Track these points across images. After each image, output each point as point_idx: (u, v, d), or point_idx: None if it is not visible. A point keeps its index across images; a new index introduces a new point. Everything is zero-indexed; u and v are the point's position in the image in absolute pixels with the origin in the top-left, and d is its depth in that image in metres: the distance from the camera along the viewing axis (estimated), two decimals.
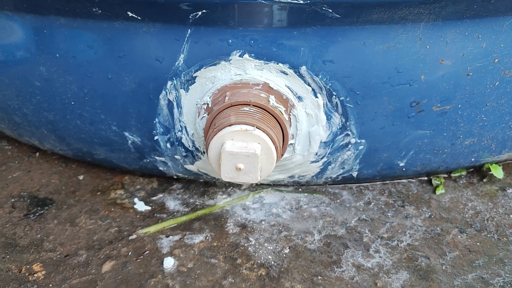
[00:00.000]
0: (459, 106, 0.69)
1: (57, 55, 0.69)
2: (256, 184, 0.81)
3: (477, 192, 0.78)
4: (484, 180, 0.81)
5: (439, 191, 0.78)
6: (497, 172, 0.79)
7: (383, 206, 0.76)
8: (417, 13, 0.60)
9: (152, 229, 0.71)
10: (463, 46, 0.64)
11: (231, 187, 0.80)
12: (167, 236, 0.70)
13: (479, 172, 0.82)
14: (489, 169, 0.81)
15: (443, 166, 0.78)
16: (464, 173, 0.82)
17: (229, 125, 0.61)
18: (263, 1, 0.57)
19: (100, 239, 0.69)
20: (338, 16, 0.59)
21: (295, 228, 0.72)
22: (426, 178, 0.82)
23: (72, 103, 0.73)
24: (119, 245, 0.68)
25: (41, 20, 0.67)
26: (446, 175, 0.82)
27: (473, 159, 0.78)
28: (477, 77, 0.67)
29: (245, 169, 0.61)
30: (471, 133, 0.73)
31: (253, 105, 0.63)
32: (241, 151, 0.59)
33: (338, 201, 0.77)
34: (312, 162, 0.73)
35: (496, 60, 0.66)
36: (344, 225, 0.72)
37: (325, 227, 0.72)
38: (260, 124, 0.61)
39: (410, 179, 0.82)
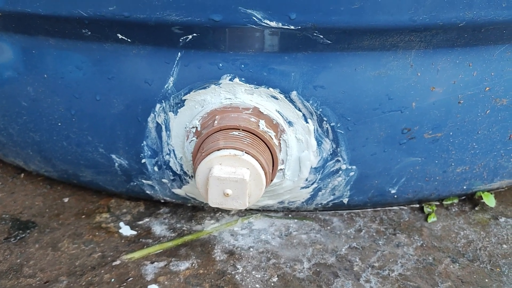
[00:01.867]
0: (451, 133, 0.68)
1: (45, 75, 0.68)
2: (246, 210, 0.79)
3: (469, 220, 0.77)
4: (476, 208, 0.80)
5: (431, 219, 0.77)
6: (489, 200, 0.78)
7: (374, 234, 0.74)
8: (408, 41, 0.60)
9: (136, 254, 0.69)
10: (454, 74, 0.64)
11: (220, 212, 0.79)
12: (152, 263, 0.68)
13: (471, 200, 0.82)
14: (481, 197, 0.80)
15: (435, 194, 0.77)
16: (456, 200, 0.81)
17: (218, 150, 0.59)
18: (254, 26, 0.57)
19: (83, 265, 0.67)
20: (329, 42, 0.59)
21: (284, 255, 0.70)
22: (417, 205, 0.81)
23: (59, 124, 0.72)
24: (102, 271, 0.66)
25: (30, 40, 0.67)
26: (438, 203, 0.81)
27: (465, 187, 0.77)
28: (468, 105, 0.66)
29: (233, 195, 0.59)
30: (463, 161, 0.72)
31: (242, 130, 0.62)
32: (229, 177, 0.58)
33: (328, 228, 0.76)
34: (302, 188, 0.72)
35: (487, 88, 0.65)
36: (334, 253, 0.71)
37: (314, 255, 0.70)
38: (249, 149, 0.60)
39: (401, 206, 0.81)
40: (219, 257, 0.69)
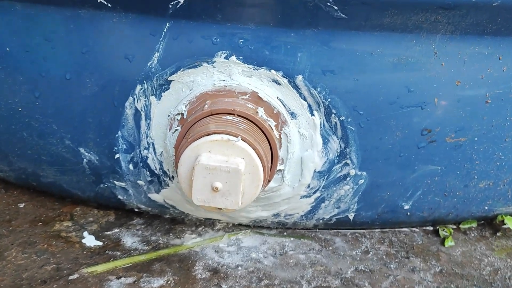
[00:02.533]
0: (475, 139, 0.59)
1: (8, 49, 0.58)
2: (233, 225, 0.68)
3: (491, 247, 0.67)
4: (498, 234, 0.70)
5: (448, 243, 0.67)
6: None
7: (384, 257, 0.63)
8: (434, 21, 0.52)
9: (100, 268, 0.57)
10: (482, 67, 0.56)
11: (203, 227, 0.67)
12: (119, 278, 0.55)
13: (491, 224, 0.71)
14: (502, 222, 0.70)
15: (452, 214, 0.67)
16: (474, 224, 0.70)
17: (207, 135, 0.49)
18: None
19: (31, 278, 0.54)
20: (344, 16, 0.51)
21: (279, 276, 0.58)
22: (431, 228, 0.70)
23: (20, 109, 0.61)
24: (55, 285, 0.53)
25: None
26: (454, 226, 0.70)
27: (486, 208, 0.68)
28: (496, 106, 0.58)
29: (223, 189, 0.48)
30: (487, 174, 0.63)
31: (238, 115, 0.52)
32: (220, 165, 0.47)
33: (330, 248, 0.64)
34: (303, 197, 0.61)
35: None
36: (339, 276, 0.59)
37: (315, 277, 0.58)
38: (245, 135, 0.49)
39: (413, 228, 0.70)
40: (200, 274, 0.57)
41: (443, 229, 0.69)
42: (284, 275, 0.59)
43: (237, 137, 0.49)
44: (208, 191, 0.49)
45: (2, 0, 0.57)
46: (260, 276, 0.58)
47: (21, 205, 0.69)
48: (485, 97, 0.57)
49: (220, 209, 0.50)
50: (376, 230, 0.69)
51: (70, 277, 0.55)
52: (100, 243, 0.61)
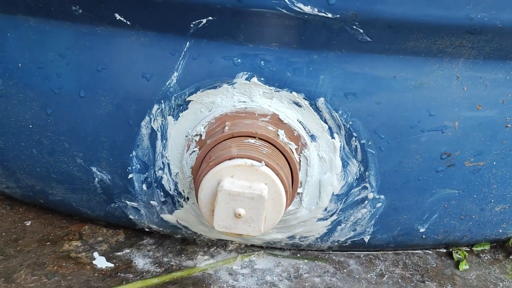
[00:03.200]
0: (494, 163, 0.59)
1: (20, 64, 0.56)
2: (245, 246, 0.66)
3: (505, 270, 0.66)
4: (511, 257, 0.69)
5: (463, 266, 0.66)
6: None
7: (399, 280, 0.62)
8: (459, 46, 0.51)
9: None
10: (503, 92, 0.55)
11: (215, 247, 0.65)
12: None
13: (503, 247, 0.71)
14: None
15: (467, 236, 0.66)
16: (487, 247, 0.70)
17: (230, 159, 0.48)
18: (284, 11, 0.47)
19: None
20: (368, 39, 0.50)
21: None
22: (444, 250, 0.70)
23: (30, 126, 0.59)
24: None
25: (6, 21, 0.55)
26: (467, 249, 0.70)
27: (500, 231, 0.67)
28: None
29: (246, 216, 0.47)
30: (504, 198, 0.62)
31: (259, 138, 0.51)
32: (243, 192, 0.46)
33: (345, 271, 0.63)
34: (319, 219, 0.60)
35: None
36: None
37: None
38: (268, 160, 0.48)
39: (426, 251, 0.69)
40: None
41: (457, 252, 0.68)
42: None
43: (260, 162, 0.47)
44: (230, 218, 0.47)
45: (15, 14, 0.55)
46: None
47: (28, 223, 0.67)
48: (506, 121, 0.57)
49: (241, 235, 0.49)
50: (390, 252, 0.68)
51: None
52: (111, 265, 0.60)
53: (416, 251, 0.69)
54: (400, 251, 0.68)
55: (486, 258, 0.69)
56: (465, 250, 0.69)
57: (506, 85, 0.55)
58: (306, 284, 0.60)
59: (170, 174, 0.58)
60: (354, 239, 0.63)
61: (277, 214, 0.49)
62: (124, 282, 0.57)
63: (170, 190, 0.59)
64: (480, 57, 0.53)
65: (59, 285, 0.55)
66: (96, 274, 0.58)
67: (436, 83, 0.54)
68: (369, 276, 0.63)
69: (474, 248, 0.70)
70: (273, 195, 0.48)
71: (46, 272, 0.57)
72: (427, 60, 0.53)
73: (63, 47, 0.55)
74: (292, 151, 0.53)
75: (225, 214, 0.47)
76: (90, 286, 0.56)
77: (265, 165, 0.48)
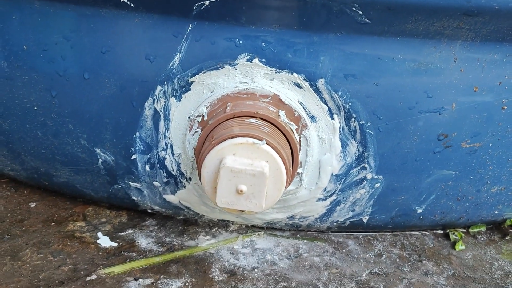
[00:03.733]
0: (490, 144, 0.60)
1: (25, 47, 0.57)
2: (246, 226, 0.68)
3: (501, 250, 0.68)
4: (507, 238, 0.70)
5: (459, 247, 0.67)
6: None
7: (397, 260, 0.64)
8: (456, 27, 0.52)
9: (117, 269, 0.56)
10: (500, 74, 0.56)
11: (216, 228, 0.67)
12: (136, 279, 0.55)
13: (499, 229, 0.72)
14: (510, 226, 0.71)
15: (463, 218, 0.68)
16: (483, 228, 0.71)
17: (232, 137, 0.49)
18: None
19: (48, 279, 0.54)
20: (367, 21, 0.51)
21: (296, 279, 0.58)
22: (441, 231, 0.71)
23: (35, 108, 0.60)
24: (73, 286, 0.53)
25: (11, 3, 0.56)
26: (464, 230, 0.71)
27: (496, 212, 0.68)
28: None
29: (248, 192, 0.48)
30: (499, 179, 0.64)
31: (260, 118, 0.52)
32: (245, 169, 0.47)
33: (343, 251, 0.65)
34: (319, 199, 0.61)
35: None
36: (354, 279, 0.59)
37: (331, 280, 0.59)
38: (269, 139, 0.49)
39: (423, 232, 0.71)
40: (217, 277, 0.57)
41: (453, 233, 0.70)
42: (301, 277, 0.59)
43: (262, 140, 0.49)
44: (232, 194, 0.49)
45: None
46: (277, 278, 0.58)
47: (33, 205, 0.68)
48: (502, 103, 0.58)
49: (242, 211, 0.50)
50: (388, 233, 0.69)
51: (88, 278, 0.54)
52: (115, 244, 0.61)
53: (413, 232, 0.70)
54: (398, 232, 0.70)
55: (482, 239, 0.70)
56: (461, 231, 0.71)
57: (502, 67, 0.56)
58: (306, 263, 0.62)
59: (173, 155, 0.59)
60: (353, 220, 0.65)
61: (277, 191, 0.50)
62: (127, 260, 0.58)
63: (173, 170, 0.60)
64: (477, 39, 0.54)
65: (64, 262, 0.57)
66: (100, 253, 0.59)
67: (434, 65, 0.55)
68: (367, 256, 0.64)
69: (470, 230, 0.71)
70: (274, 173, 0.49)
71: (51, 251, 0.59)
72: (425, 42, 0.54)
73: (68, 29, 0.55)
74: (292, 131, 0.54)
75: (228, 191, 0.48)
76: (95, 264, 0.57)
77: (266, 143, 0.49)
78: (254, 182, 0.48)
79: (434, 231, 0.71)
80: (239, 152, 0.48)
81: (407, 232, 0.70)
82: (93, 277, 0.55)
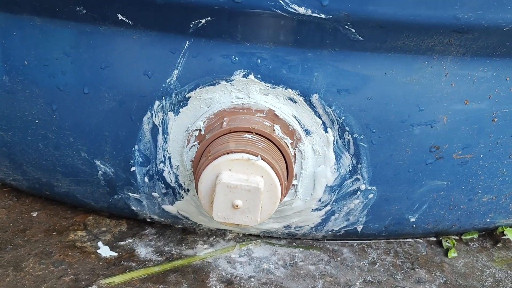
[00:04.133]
0: (481, 155, 0.61)
1: (26, 62, 0.59)
2: (243, 235, 0.69)
3: (492, 258, 0.69)
4: (499, 245, 0.72)
5: (452, 254, 0.69)
6: None
7: (390, 268, 0.65)
8: (447, 44, 0.54)
9: (117, 279, 0.58)
10: (490, 87, 0.58)
11: (214, 237, 0.68)
12: None
13: (491, 235, 0.74)
14: (502, 233, 0.72)
15: (456, 226, 0.69)
16: (476, 235, 0.73)
17: (228, 153, 0.50)
18: (279, 12, 0.49)
19: None
20: (360, 38, 0.52)
21: (291, 287, 0.60)
22: (434, 239, 0.72)
23: (36, 121, 0.61)
24: None
25: (12, 20, 0.58)
26: (456, 237, 0.73)
27: (488, 220, 0.70)
28: (502, 124, 0.60)
29: (243, 207, 0.50)
30: (490, 189, 0.65)
31: (256, 133, 0.53)
32: (240, 184, 0.49)
33: (338, 259, 0.66)
34: (314, 210, 0.63)
35: None
36: (348, 287, 0.61)
37: None
38: (264, 154, 0.51)
39: (417, 239, 0.72)
40: (215, 286, 0.59)
41: (446, 240, 0.71)
42: (296, 286, 0.60)
43: (256, 156, 0.50)
44: (228, 209, 0.50)
45: (21, 14, 0.57)
46: (273, 287, 0.60)
47: (34, 214, 0.69)
48: (492, 115, 0.59)
49: (239, 225, 0.52)
50: (382, 240, 0.71)
51: None
52: (115, 254, 0.62)
53: (407, 240, 0.72)
54: (392, 240, 0.71)
55: (474, 246, 0.72)
56: (454, 239, 0.72)
57: (493, 81, 0.58)
58: (301, 272, 0.63)
59: (171, 167, 0.60)
60: (348, 229, 0.66)
61: (272, 205, 0.51)
62: (127, 270, 0.60)
63: (171, 182, 0.61)
64: (467, 55, 0.55)
65: (66, 272, 0.58)
66: (101, 263, 0.61)
67: (426, 80, 0.56)
68: (361, 264, 0.66)
69: (463, 237, 0.73)
70: (268, 187, 0.50)
71: (53, 261, 0.60)
72: (417, 58, 0.55)
73: (68, 45, 0.57)
74: (287, 145, 0.55)
75: (224, 205, 0.50)
76: (96, 274, 0.59)
77: (261, 159, 0.50)
78: (249, 197, 0.49)
79: (428, 239, 0.72)
80: (235, 168, 0.50)
81: (401, 240, 0.72)
82: (94, 287, 0.56)
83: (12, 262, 0.59)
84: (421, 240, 0.72)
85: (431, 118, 0.58)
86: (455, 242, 0.71)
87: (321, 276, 0.63)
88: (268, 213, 0.52)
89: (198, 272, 0.61)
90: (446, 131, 0.59)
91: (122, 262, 0.61)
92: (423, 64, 0.55)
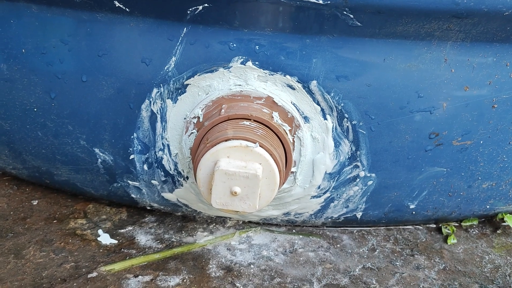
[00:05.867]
0: (481, 142, 0.61)
1: (23, 50, 0.58)
2: (243, 222, 0.69)
3: (492, 244, 0.69)
4: (498, 232, 0.72)
5: (451, 240, 0.69)
6: None
7: (390, 254, 0.65)
8: (446, 29, 0.53)
9: (117, 266, 0.58)
10: (490, 73, 0.57)
11: (214, 224, 0.69)
12: (136, 276, 0.57)
13: (491, 222, 0.74)
14: (502, 220, 0.72)
15: (455, 212, 0.69)
16: (475, 222, 0.73)
17: (226, 140, 0.50)
18: None
19: (51, 276, 0.56)
20: (359, 24, 0.52)
21: (290, 274, 0.60)
22: (434, 225, 0.73)
23: (35, 109, 0.61)
24: (75, 284, 0.55)
25: (9, 8, 0.57)
26: (456, 224, 0.73)
27: (488, 206, 0.70)
28: (502, 110, 0.60)
29: (242, 194, 0.50)
30: (490, 175, 0.65)
31: (254, 120, 0.53)
32: (239, 171, 0.49)
33: (338, 246, 0.66)
34: (313, 197, 0.63)
35: None
36: (347, 274, 0.61)
37: (325, 275, 0.61)
38: (262, 141, 0.51)
39: (417, 226, 0.72)
40: (214, 273, 0.59)
41: (446, 227, 0.71)
42: (295, 273, 0.61)
43: (255, 143, 0.50)
44: (227, 195, 0.50)
45: (17, 2, 0.57)
46: (272, 274, 0.60)
47: (35, 202, 0.70)
48: (492, 101, 0.59)
49: (237, 211, 0.52)
50: (382, 227, 0.71)
51: (89, 275, 0.56)
52: (115, 241, 0.63)
53: (407, 227, 0.72)
54: (391, 227, 0.71)
55: (474, 232, 0.72)
56: (454, 225, 0.72)
57: (493, 67, 0.57)
58: (301, 259, 0.63)
59: (170, 155, 0.60)
60: (347, 216, 0.66)
61: (271, 192, 0.51)
62: (127, 257, 0.60)
63: (170, 170, 0.62)
64: (467, 40, 0.55)
65: (66, 260, 0.59)
66: (101, 250, 0.61)
67: (425, 66, 0.56)
68: (361, 250, 0.66)
69: (462, 223, 0.73)
70: (267, 174, 0.50)
71: (53, 248, 0.61)
72: (416, 44, 0.55)
73: (65, 33, 0.57)
74: (286, 132, 0.55)
75: (222, 192, 0.50)
76: (96, 261, 0.59)
77: (259, 145, 0.50)
78: (248, 184, 0.49)
79: (427, 225, 0.73)
80: (233, 155, 0.50)
81: (400, 227, 0.72)
82: (94, 274, 0.57)
83: (13, 250, 0.60)
84: (420, 227, 0.72)
85: (430, 104, 0.57)
86: (455, 229, 0.71)
87: (321, 263, 0.63)
88: (267, 200, 0.52)
89: (198, 259, 0.61)
90: (446, 118, 0.58)
91: (122, 249, 0.62)
92: (422, 50, 0.55)
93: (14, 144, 0.66)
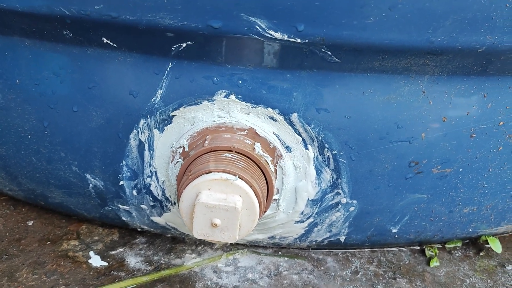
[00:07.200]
0: (460, 169, 0.63)
1: (18, 81, 0.61)
2: (231, 244, 0.71)
3: (474, 267, 0.71)
4: (481, 254, 0.73)
5: (434, 263, 0.70)
6: (496, 246, 0.72)
7: (372, 277, 0.67)
8: (423, 64, 0.55)
9: None
10: (468, 104, 0.59)
11: (202, 245, 0.71)
12: None
13: (475, 244, 0.75)
14: (486, 242, 0.74)
15: (438, 235, 0.71)
16: (459, 244, 0.74)
17: (207, 173, 0.52)
18: (256, 37, 0.51)
19: None
20: (337, 60, 0.54)
21: None
22: (418, 247, 0.74)
23: (29, 137, 0.64)
24: None
25: (4, 41, 0.60)
26: (440, 246, 0.74)
27: (470, 230, 0.71)
28: (480, 140, 0.61)
29: (222, 225, 0.52)
30: (471, 201, 0.67)
31: (236, 152, 0.55)
32: (218, 204, 0.51)
33: (322, 268, 0.68)
34: (297, 222, 0.65)
35: (501, 123, 0.60)
36: None
37: None
38: (243, 173, 0.53)
39: (401, 248, 0.74)
40: None
41: (429, 249, 0.73)
42: None
43: (235, 175, 0.52)
44: (207, 227, 0.52)
45: (12, 36, 0.59)
46: None
47: (30, 223, 0.72)
48: (470, 131, 0.60)
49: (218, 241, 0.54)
50: (366, 249, 0.73)
51: None
52: (105, 264, 0.65)
53: (391, 249, 0.74)
54: (376, 249, 0.73)
55: (457, 254, 0.73)
56: (437, 247, 0.74)
57: (470, 98, 0.59)
58: (285, 282, 0.65)
59: (158, 181, 0.63)
60: (331, 239, 0.68)
61: (251, 223, 0.53)
62: (116, 280, 0.62)
63: (158, 195, 0.64)
64: (444, 74, 0.57)
65: (57, 283, 0.61)
66: (91, 273, 0.63)
67: (403, 98, 0.58)
68: (344, 273, 0.68)
69: (446, 245, 0.74)
70: (247, 206, 0.52)
71: (45, 271, 0.63)
72: (394, 77, 0.57)
73: (57, 66, 0.59)
74: (267, 162, 0.57)
75: (203, 224, 0.52)
76: (86, 284, 0.61)
77: (240, 178, 0.52)
78: (228, 216, 0.51)
79: (411, 247, 0.74)
80: (214, 187, 0.52)
81: (384, 249, 0.73)
82: None
83: (7, 272, 0.62)
84: (404, 249, 0.74)
85: (409, 135, 0.59)
86: (438, 251, 0.73)
87: (304, 285, 0.65)
88: (247, 230, 0.54)
89: (184, 282, 0.63)
90: (425, 147, 0.60)
91: (112, 272, 0.64)
92: (401, 83, 0.57)
93: (10, 168, 0.69)
